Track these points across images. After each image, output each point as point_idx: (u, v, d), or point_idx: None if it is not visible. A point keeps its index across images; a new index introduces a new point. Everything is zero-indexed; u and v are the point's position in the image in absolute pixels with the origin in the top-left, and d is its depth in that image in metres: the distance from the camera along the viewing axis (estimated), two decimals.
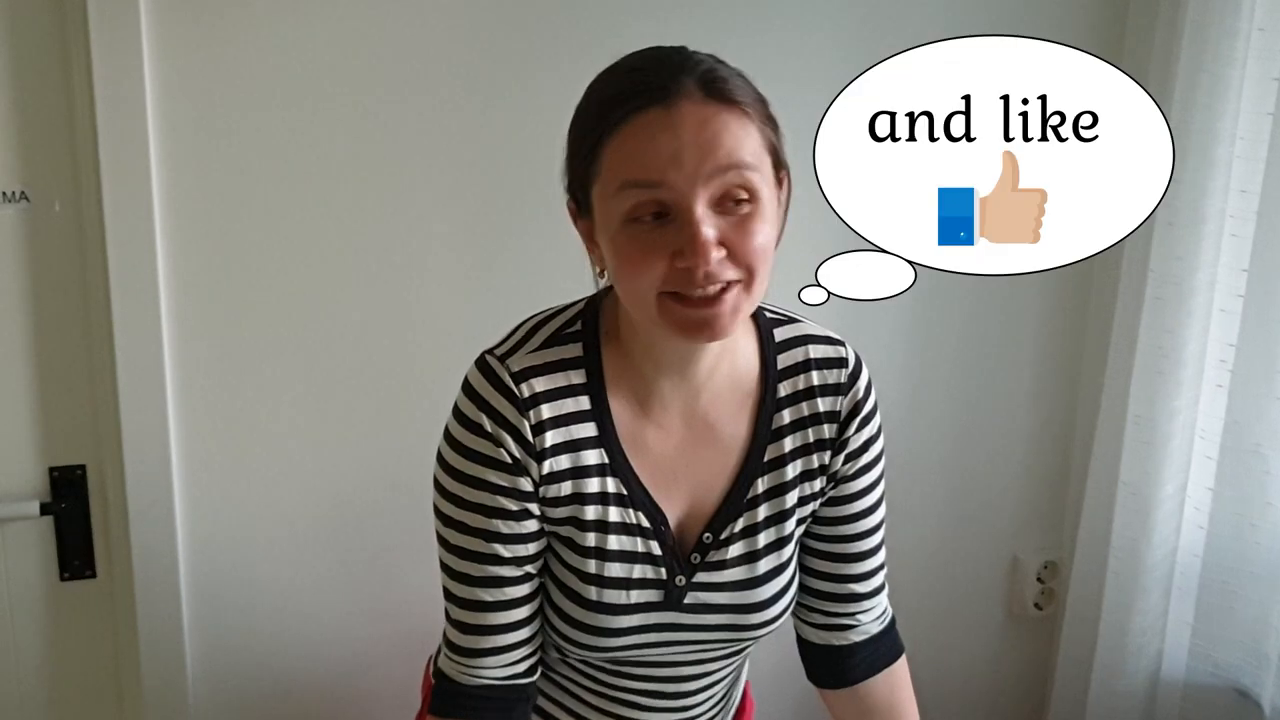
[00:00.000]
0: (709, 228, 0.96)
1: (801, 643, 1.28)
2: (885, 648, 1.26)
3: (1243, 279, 1.76)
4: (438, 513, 1.11)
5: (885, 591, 1.27)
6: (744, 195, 0.98)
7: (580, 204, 1.05)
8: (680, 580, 1.13)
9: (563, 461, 1.08)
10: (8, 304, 1.56)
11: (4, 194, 1.52)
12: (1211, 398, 1.81)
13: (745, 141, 0.98)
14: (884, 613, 1.27)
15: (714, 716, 1.29)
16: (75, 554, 1.65)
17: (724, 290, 0.98)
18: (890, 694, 1.26)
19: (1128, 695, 1.92)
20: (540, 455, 1.07)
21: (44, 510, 1.61)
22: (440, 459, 1.10)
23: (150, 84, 1.51)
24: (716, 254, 0.96)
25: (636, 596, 1.12)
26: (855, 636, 1.24)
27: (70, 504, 1.63)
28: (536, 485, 1.08)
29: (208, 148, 1.56)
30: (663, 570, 1.12)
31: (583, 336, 1.10)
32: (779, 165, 1.03)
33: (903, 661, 1.28)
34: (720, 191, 0.97)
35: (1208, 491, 1.84)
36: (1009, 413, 2.05)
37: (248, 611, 1.73)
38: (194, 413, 1.63)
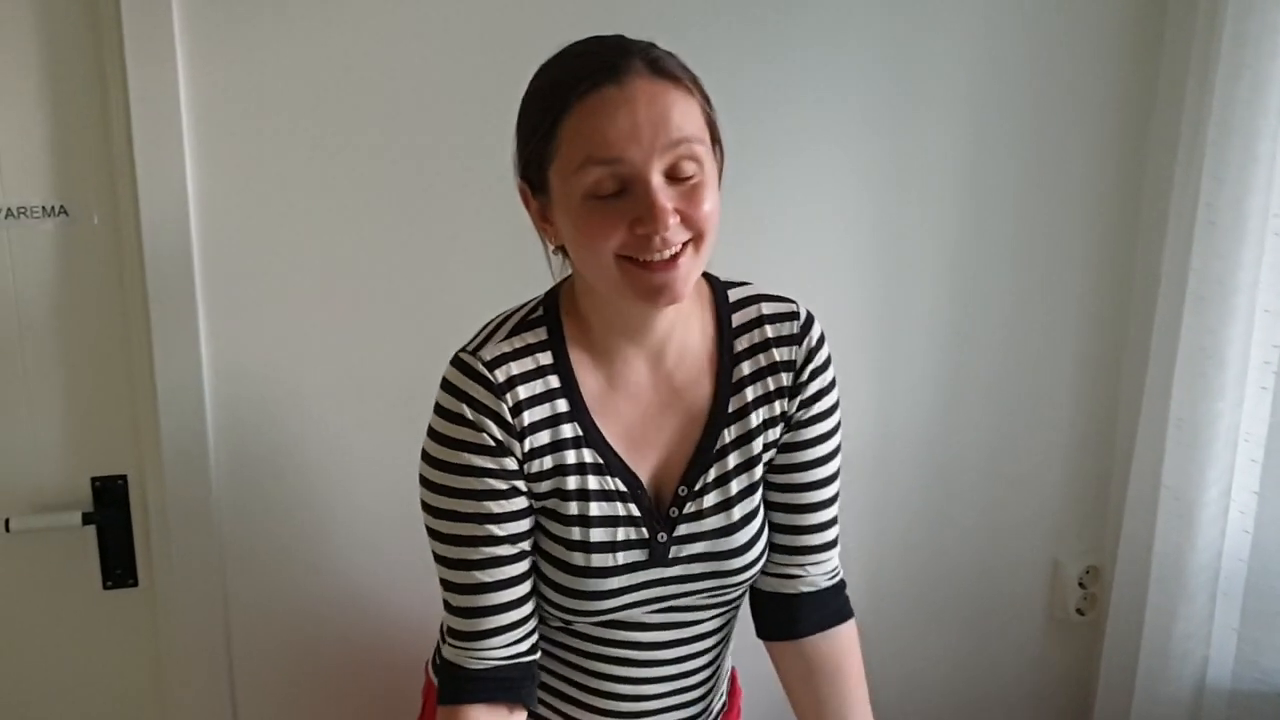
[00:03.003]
0: (665, 198, 1.03)
1: (753, 594, 1.32)
2: (834, 607, 1.30)
3: None
4: (428, 508, 1.16)
5: (837, 550, 1.31)
6: (693, 166, 1.05)
7: (534, 184, 1.11)
8: (662, 536, 1.19)
9: (543, 437, 1.15)
10: (48, 316, 1.58)
11: (43, 208, 1.54)
12: (1256, 400, 1.78)
13: (690, 115, 1.05)
14: (834, 570, 1.31)
15: (706, 692, 1.33)
16: (117, 563, 1.67)
17: (677, 255, 1.05)
18: (838, 656, 1.30)
19: (1173, 702, 1.89)
20: (521, 434, 1.13)
21: (86, 520, 1.63)
22: (425, 455, 1.16)
23: (185, 96, 1.53)
24: (673, 220, 1.03)
25: (623, 557, 1.18)
26: (804, 587, 1.29)
27: (112, 513, 1.65)
28: (521, 463, 1.14)
29: (243, 159, 1.57)
30: (644, 530, 1.18)
31: (546, 321, 1.18)
32: (715, 139, 1.10)
33: (852, 626, 1.32)
34: (672, 163, 1.04)
35: (1253, 495, 1.81)
36: (1049, 416, 2.03)
37: (290, 621, 1.74)
38: (233, 422, 1.65)
